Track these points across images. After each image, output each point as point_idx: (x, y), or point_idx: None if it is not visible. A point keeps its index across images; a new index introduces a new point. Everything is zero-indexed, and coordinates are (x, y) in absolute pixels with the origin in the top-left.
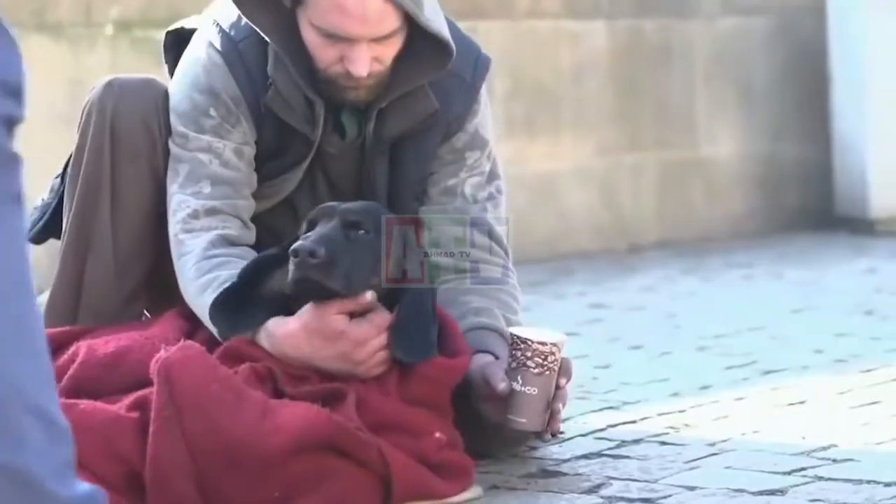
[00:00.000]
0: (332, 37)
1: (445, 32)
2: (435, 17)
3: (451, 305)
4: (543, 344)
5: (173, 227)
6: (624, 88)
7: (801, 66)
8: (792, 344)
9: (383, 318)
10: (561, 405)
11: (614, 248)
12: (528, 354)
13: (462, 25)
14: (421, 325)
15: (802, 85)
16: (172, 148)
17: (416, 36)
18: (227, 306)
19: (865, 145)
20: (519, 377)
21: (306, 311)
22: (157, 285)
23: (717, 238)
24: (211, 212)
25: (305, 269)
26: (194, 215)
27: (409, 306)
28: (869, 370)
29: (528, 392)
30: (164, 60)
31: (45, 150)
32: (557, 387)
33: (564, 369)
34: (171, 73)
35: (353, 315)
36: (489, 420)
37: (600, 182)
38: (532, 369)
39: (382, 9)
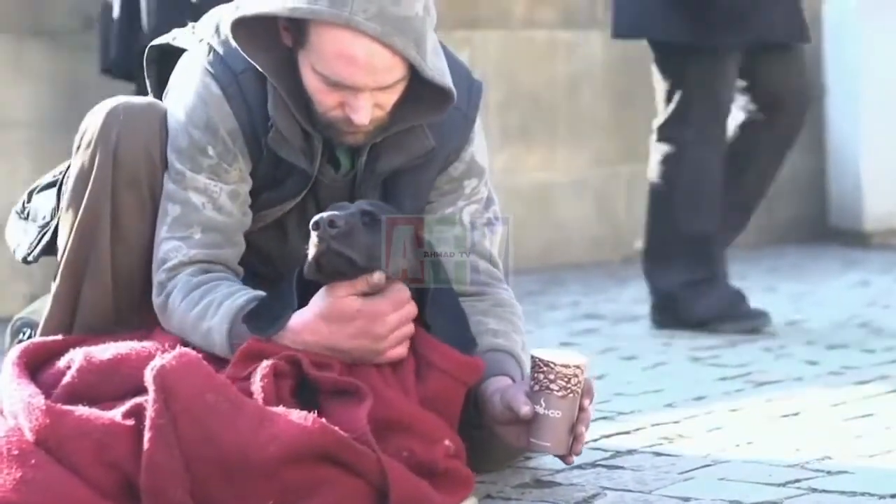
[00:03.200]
0: (336, 85)
1: (447, 79)
2: (436, 62)
3: None
4: (567, 367)
5: (159, 274)
6: (619, 99)
7: None
8: (786, 356)
9: (399, 294)
10: (584, 428)
11: (609, 259)
12: (552, 377)
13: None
14: (457, 321)
15: None
16: (167, 183)
17: (418, 80)
18: (259, 312)
19: (859, 158)
20: (542, 400)
21: (318, 298)
22: (153, 309)
23: None
24: (197, 263)
25: (326, 240)
26: (180, 265)
27: (438, 303)
28: (863, 382)
29: (552, 415)
30: (146, 75)
31: (41, 155)
32: (581, 408)
33: (587, 390)
34: (153, 87)
35: (365, 296)
36: (509, 443)
37: (595, 193)
38: (556, 392)
39: (389, 60)
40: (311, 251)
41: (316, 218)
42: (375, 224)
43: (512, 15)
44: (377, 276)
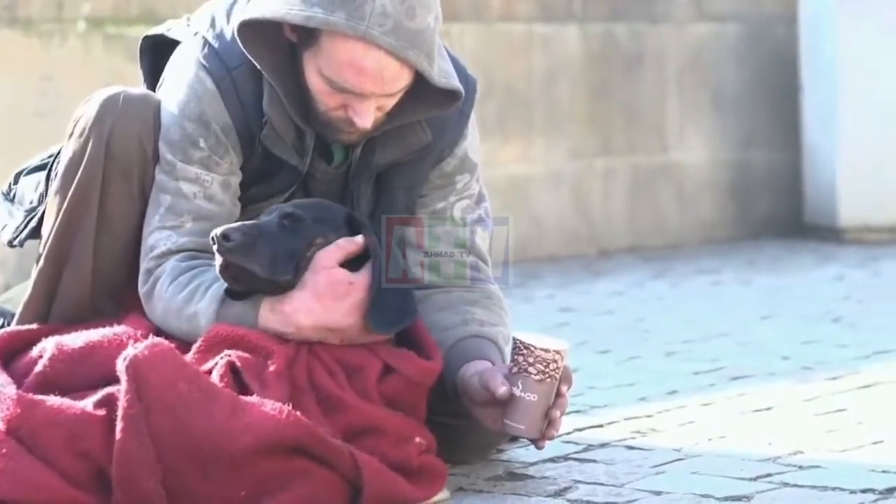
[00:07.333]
0: (343, 90)
1: (454, 81)
2: (442, 64)
3: (453, 311)
4: (546, 351)
5: (147, 262)
6: (596, 93)
7: (772, 74)
8: (759, 350)
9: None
10: (559, 413)
11: (584, 252)
12: (531, 360)
13: None
14: (396, 293)
15: (773, 93)
16: (158, 174)
17: (422, 82)
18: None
19: (835, 154)
20: (519, 383)
21: (308, 277)
22: (130, 300)
23: (686, 244)
24: (186, 251)
25: (223, 253)
26: (168, 252)
27: (379, 276)
28: (835, 377)
29: (528, 398)
30: (139, 66)
31: (15, 144)
32: (558, 394)
33: (565, 377)
34: (146, 78)
35: (354, 265)
36: (485, 425)
37: (571, 186)
38: (533, 376)
39: (399, 71)
40: (217, 265)
41: (212, 232)
42: (298, 225)
43: (489, 8)
44: (361, 238)
